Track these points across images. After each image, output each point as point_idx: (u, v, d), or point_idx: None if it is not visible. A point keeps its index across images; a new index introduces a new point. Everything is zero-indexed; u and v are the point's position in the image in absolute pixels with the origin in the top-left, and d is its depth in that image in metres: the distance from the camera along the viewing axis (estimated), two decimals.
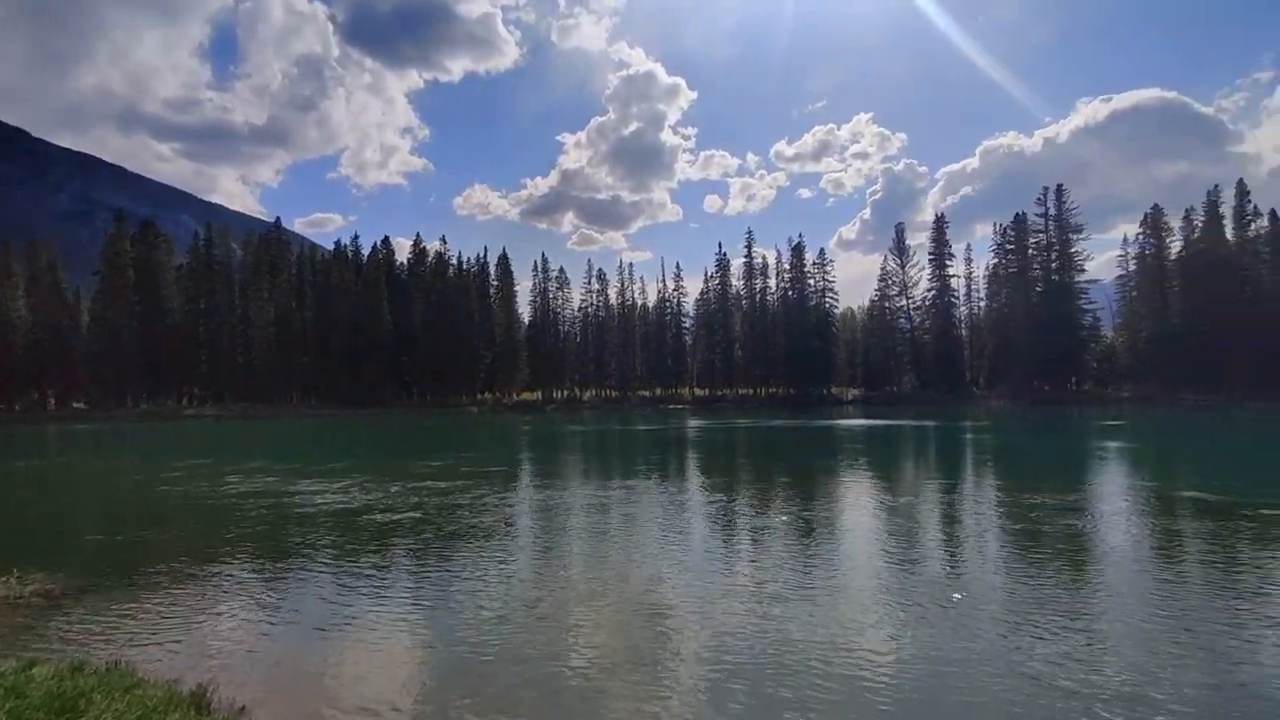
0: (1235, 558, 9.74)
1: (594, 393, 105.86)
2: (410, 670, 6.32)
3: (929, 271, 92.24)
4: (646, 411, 76.06)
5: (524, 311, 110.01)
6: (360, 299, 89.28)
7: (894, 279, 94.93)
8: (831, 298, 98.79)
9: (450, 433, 44.30)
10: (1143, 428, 39.70)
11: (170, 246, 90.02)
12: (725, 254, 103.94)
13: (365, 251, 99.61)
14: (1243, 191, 79.21)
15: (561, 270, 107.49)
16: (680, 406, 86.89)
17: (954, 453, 27.88)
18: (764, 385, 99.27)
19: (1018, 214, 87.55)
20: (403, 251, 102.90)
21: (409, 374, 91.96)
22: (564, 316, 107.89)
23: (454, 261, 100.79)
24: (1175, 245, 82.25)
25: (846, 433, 38.95)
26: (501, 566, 9.82)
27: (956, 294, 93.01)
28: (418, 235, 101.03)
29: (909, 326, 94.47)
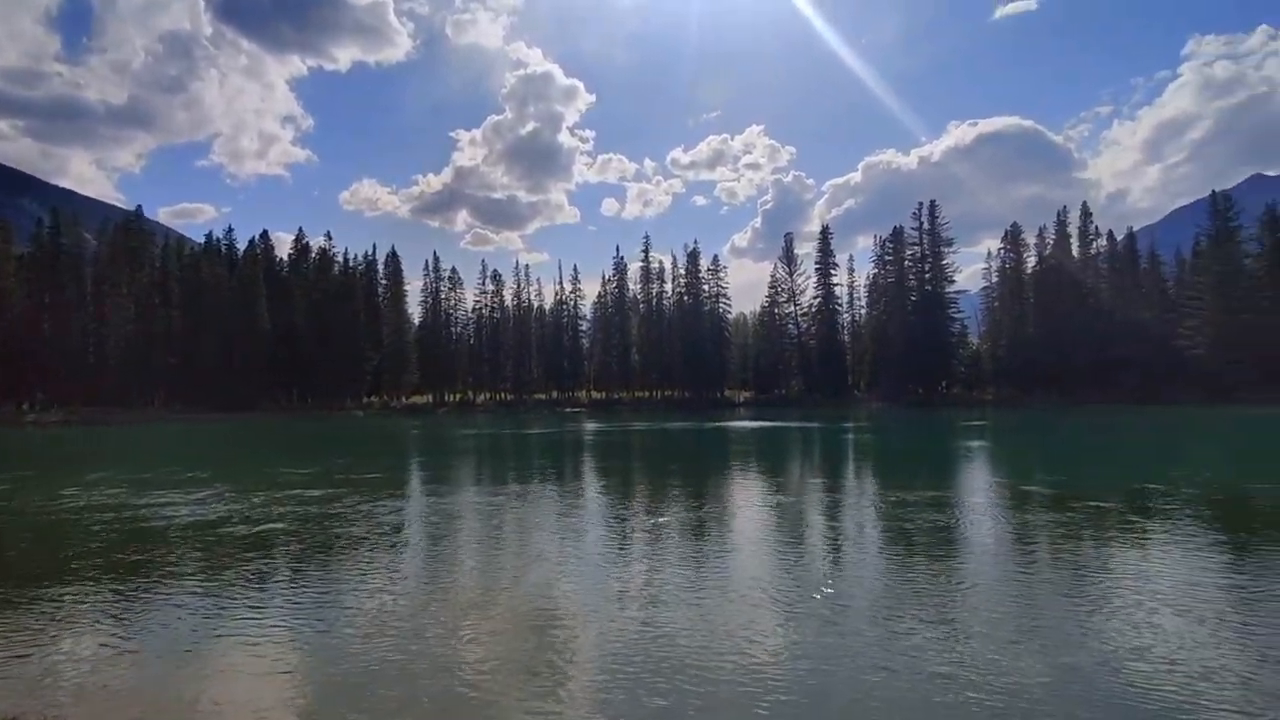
0: (1070, 546, 10.62)
1: (488, 396, 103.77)
2: (285, 692, 5.82)
3: (815, 280, 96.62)
4: (542, 415, 75.27)
5: (414, 312, 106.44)
6: (235, 296, 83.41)
7: (783, 286, 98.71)
8: (725, 303, 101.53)
9: (331, 437, 42.08)
10: (999, 428, 43.03)
11: (9, 234, 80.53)
12: (623, 258, 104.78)
13: (241, 245, 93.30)
14: (1086, 213, 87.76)
15: (454, 270, 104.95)
16: (577, 410, 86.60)
17: (835, 453, 29.15)
18: (660, 388, 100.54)
19: (895, 227, 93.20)
20: (283, 247, 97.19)
21: (289, 376, 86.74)
22: (457, 318, 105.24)
23: (339, 259, 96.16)
24: (1031, 260, 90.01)
25: (737, 435, 39.97)
26: (380, 578, 9.31)
27: (840, 302, 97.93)
28: (300, 230, 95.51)
29: (797, 332, 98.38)
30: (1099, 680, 5.71)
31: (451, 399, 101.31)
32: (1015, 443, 33.28)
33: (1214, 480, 18.19)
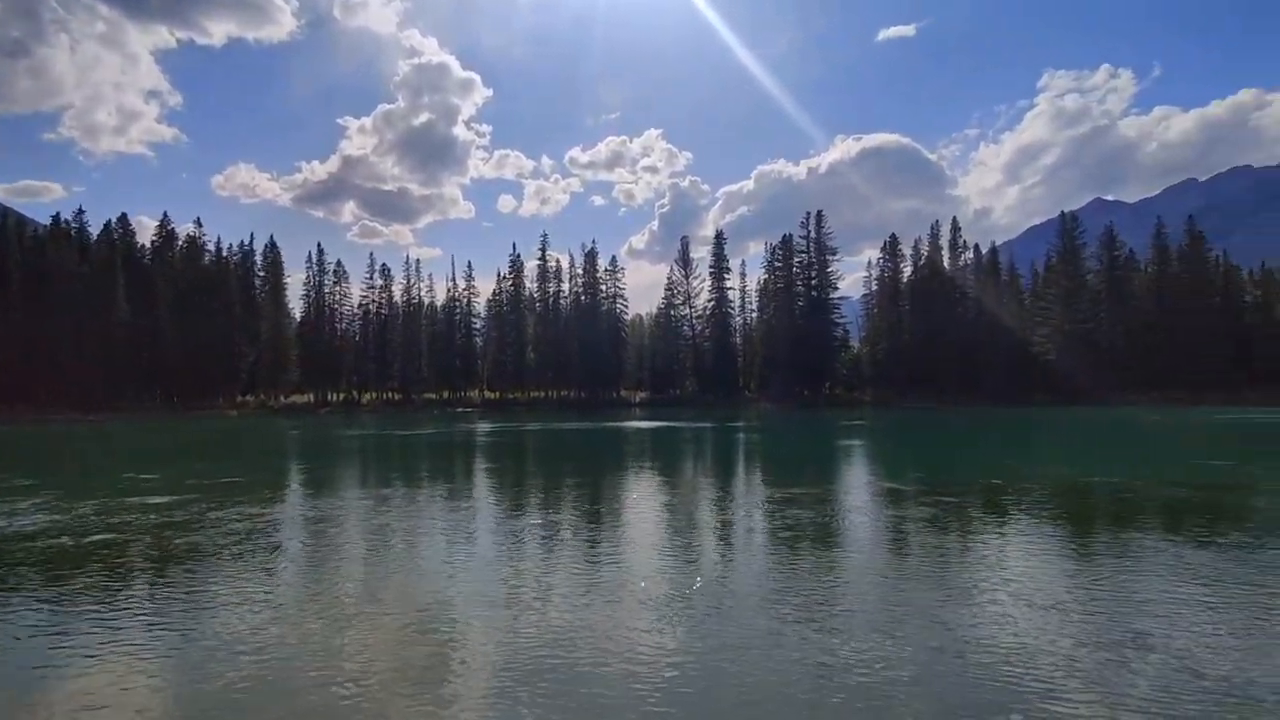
0: (934, 538, 11.34)
1: (375, 395, 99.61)
2: (147, 714, 5.24)
3: (709, 284, 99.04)
4: (433, 415, 72.97)
5: (295, 307, 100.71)
6: (88, 284, 75.83)
7: (679, 289, 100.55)
8: (622, 304, 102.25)
9: (196, 439, 38.98)
10: (877, 428, 45.57)
11: None
12: (519, 255, 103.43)
13: (95, 229, 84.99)
14: (955, 227, 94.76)
15: (340, 264, 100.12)
16: (469, 410, 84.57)
17: (726, 452, 29.90)
18: (556, 388, 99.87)
19: (785, 235, 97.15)
20: (146, 233, 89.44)
21: (153, 374, 79.78)
22: (342, 313, 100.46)
23: (210, 247, 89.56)
24: (908, 270, 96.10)
25: (632, 435, 40.24)
26: (249, 588, 8.62)
27: (733, 305, 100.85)
28: (165, 215, 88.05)
29: (691, 334, 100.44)
30: (963, 662, 6.09)
31: (335, 399, 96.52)
32: (891, 441, 35.30)
33: (1060, 474, 19.99)
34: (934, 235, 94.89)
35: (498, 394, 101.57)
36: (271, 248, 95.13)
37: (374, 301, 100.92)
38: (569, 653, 6.42)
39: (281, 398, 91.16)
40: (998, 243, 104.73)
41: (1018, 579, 8.70)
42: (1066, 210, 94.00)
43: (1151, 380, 77.67)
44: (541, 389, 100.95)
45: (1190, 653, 6.13)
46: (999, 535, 11.46)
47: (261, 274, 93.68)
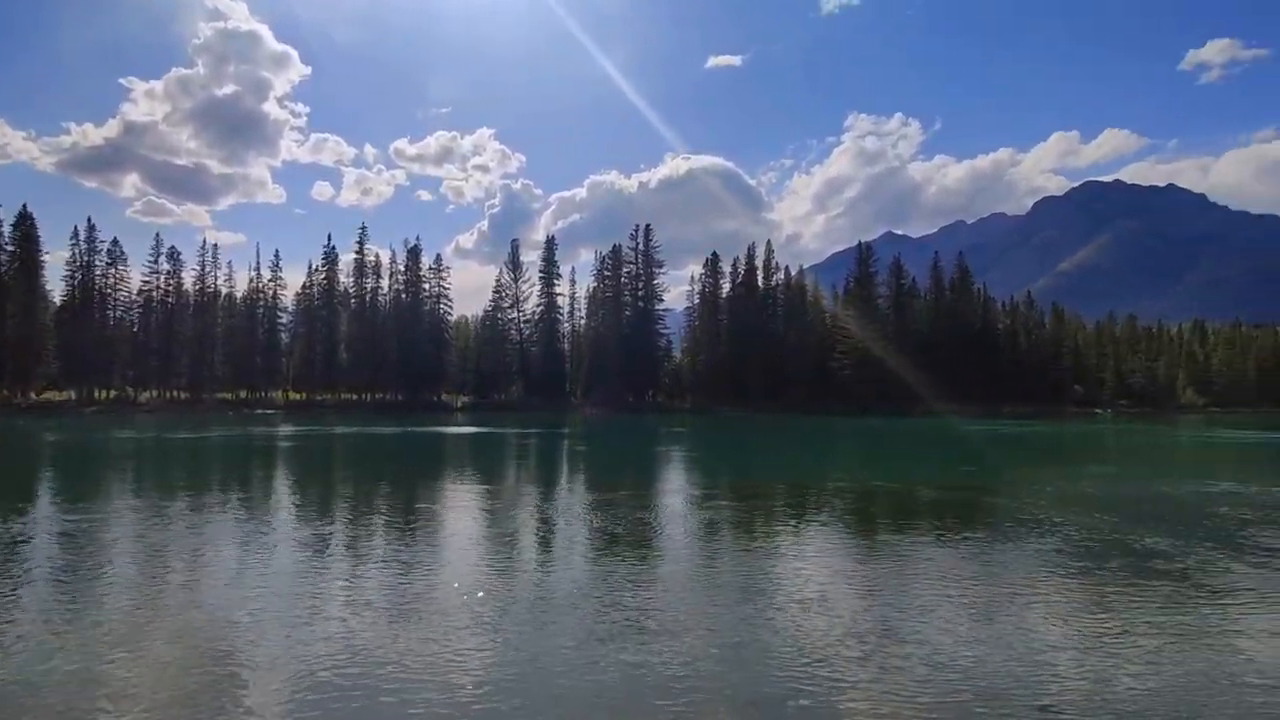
0: (740, 537, 12.15)
1: (156, 394, 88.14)
2: None
3: (539, 288, 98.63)
4: (226, 417, 65.88)
5: (56, 290, 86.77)
6: None
7: (507, 292, 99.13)
8: (447, 304, 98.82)
9: None
10: (694, 434, 47.80)
11: None
12: (335, 247, 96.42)
13: None
14: (770, 250, 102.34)
15: (117, 243, 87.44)
16: (271, 411, 77.38)
17: (549, 458, 29.91)
18: (371, 390, 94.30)
19: (615, 245, 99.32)
20: None
21: None
22: (117, 300, 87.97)
23: None
24: (726, 286, 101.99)
25: (453, 439, 38.99)
26: None
27: (562, 311, 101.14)
28: None
29: (519, 338, 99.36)
30: (754, 658, 6.55)
31: (104, 396, 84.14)
32: (705, 447, 37.16)
33: (843, 478, 22.18)
34: (750, 256, 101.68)
35: (304, 395, 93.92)
36: (25, 219, 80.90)
37: (158, 288, 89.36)
38: (371, 669, 6.07)
39: (32, 395, 77.90)
40: (806, 266, 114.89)
41: (798, 578, 9.53)
42: (863, 240, 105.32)
43: (929, 395, 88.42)
44: (355, 391, 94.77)
45: (939, 644, 7.05)
46: (791, 536, 12.49)
47: (10, 248, 79.42)
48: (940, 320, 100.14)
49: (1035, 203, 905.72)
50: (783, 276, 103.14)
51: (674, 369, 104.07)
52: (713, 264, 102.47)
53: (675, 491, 18.86)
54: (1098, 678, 5.93)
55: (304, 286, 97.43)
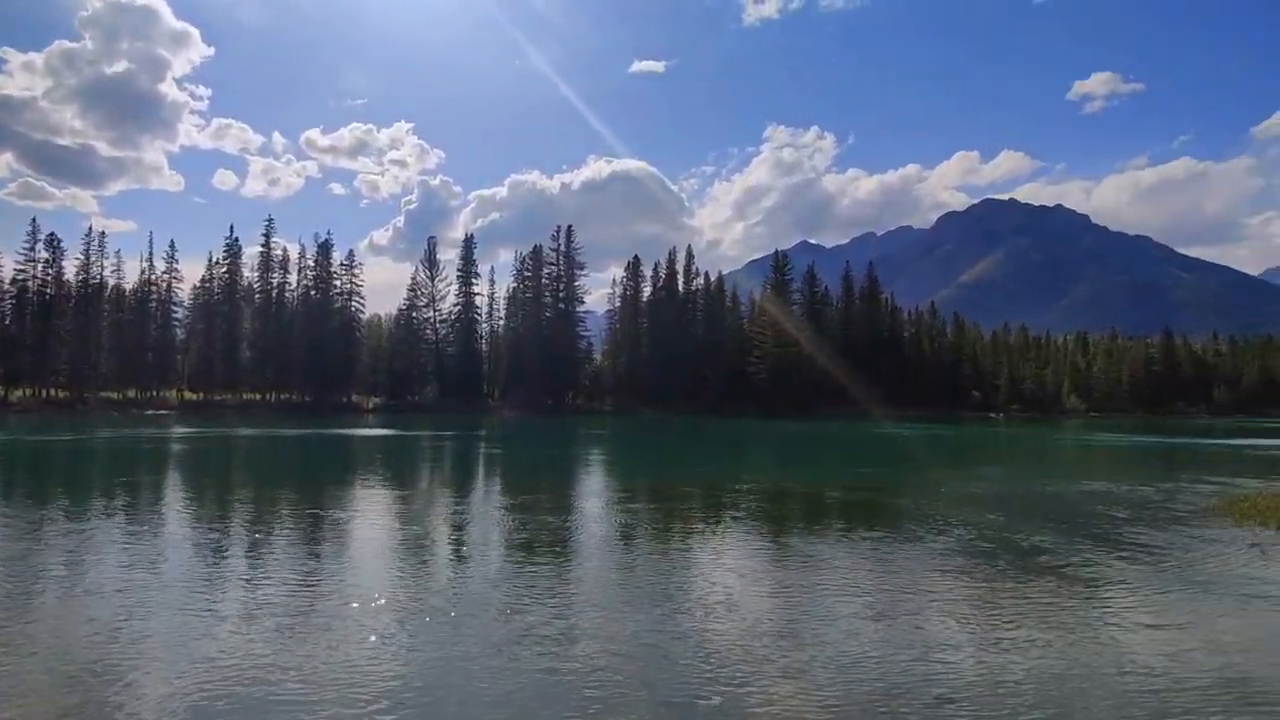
0: (657, 537, 12.23)
1: (29, 392, 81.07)
2: None
3: (456, 288, 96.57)
4: (112, 417, 61.26)
5: None
6: None
7: (423, 290, 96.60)
8: (359, 302, 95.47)
9: None
10: (612, 436, 47.89)
11: None
12: (238, 240, 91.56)
13: None
14: (690, 255, 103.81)
15: None
16: (164, 412, 72.53)
17: (464, 461, 29.25)
18: (276, 390, 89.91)
19: (536, 245, 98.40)
20: None
21: None
22: None
23: None
24: (648, 290, 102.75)
25: (363, 442, 37.61)
26: None
27: (480, 311, 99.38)
28: None
29: (435, 338, 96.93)
30: (672, 656, 6.59)
31: None
32: (625, 449, 37.26)
33: (755, 478, 22.70)
34: (671, 260, 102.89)
35: (201, 395, 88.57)
36: None
37: (34, 278, 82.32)
38: (266, 683, 5.74)
39: None
40: (725, 272, 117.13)
41: (708, 582, 9.68)
42: (779, 249, 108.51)
43: (842, 397, 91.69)
44: (258, 391, 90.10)
45: (842, 644, 7.29)
46: (701, 539, 12.66)
47: None
48: (851, 327, 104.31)
49: (939, 217, 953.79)
50: (703, 281, 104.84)
51: (594, 371, 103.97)
52: (634, 267, 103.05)
53: (589, 495, 18.80)
54: (990, 670, 6.27)
55: (203, 280, 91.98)
